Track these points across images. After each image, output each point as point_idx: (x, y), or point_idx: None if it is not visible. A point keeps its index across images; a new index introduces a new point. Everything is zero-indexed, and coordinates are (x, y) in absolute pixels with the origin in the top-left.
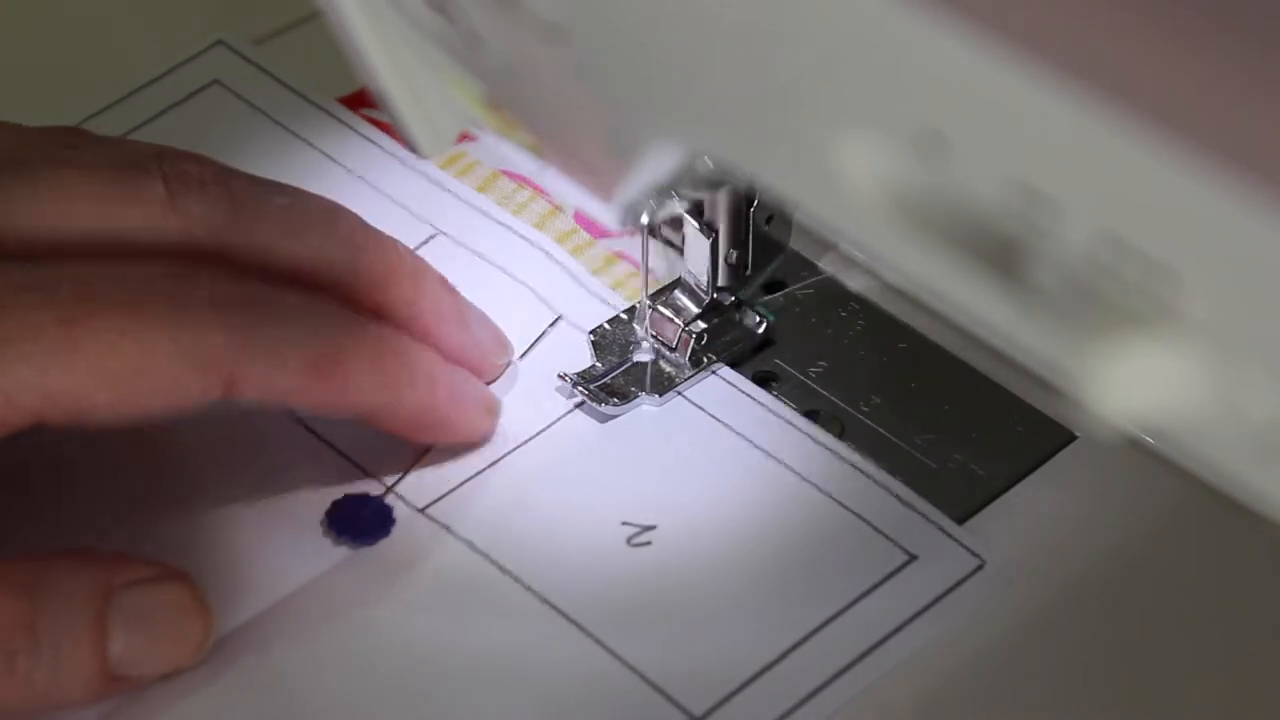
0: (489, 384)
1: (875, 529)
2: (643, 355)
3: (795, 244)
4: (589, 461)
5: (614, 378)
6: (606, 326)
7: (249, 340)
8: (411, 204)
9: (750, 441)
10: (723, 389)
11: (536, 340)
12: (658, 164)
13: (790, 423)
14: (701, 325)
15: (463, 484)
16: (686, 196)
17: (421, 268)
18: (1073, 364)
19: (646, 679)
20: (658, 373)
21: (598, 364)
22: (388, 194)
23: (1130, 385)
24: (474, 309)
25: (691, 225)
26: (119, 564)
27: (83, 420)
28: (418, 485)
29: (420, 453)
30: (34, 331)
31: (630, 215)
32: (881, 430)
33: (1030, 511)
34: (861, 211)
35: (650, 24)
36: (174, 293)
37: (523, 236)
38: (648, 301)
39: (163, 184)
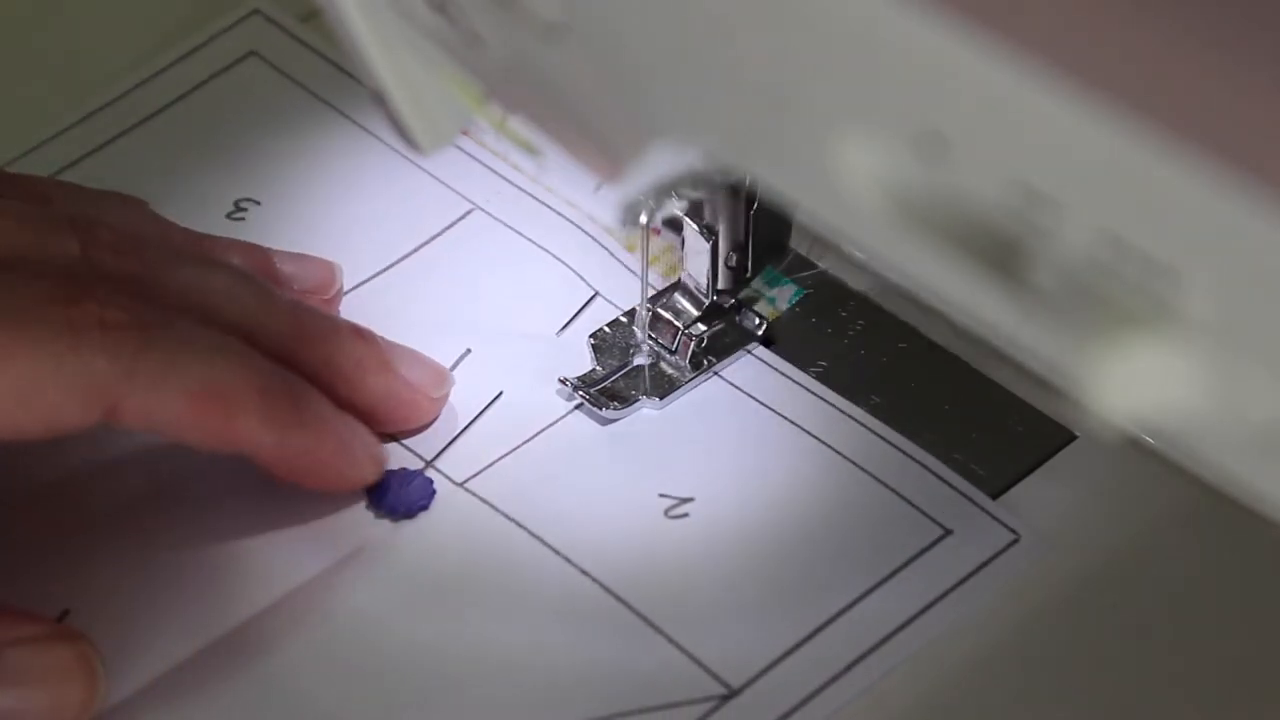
0: (433, 419)
1: (910, 504)
2: (642, 358)
3: (795, 244)
4: (626, 437)
5: (614, 381)
6: (606, 330)
7: (133, 367)
8: (448, 179)
9: (785, 417)
10: (757, 366)
11: (575, 315)
12: (658, 164)
13: (824, 399)
14: (702, 328)
15: (500, 459)
16: (686, 196)
17: (333, 324)
18: (1073, 364)
19: (685, 651)
20: (658, 375)
21: (598, 367)
22: (425, 168)
23: (1130, 385)
24: (399, 349)
25: (691, 227)
26: (5, 620)
27: None
28: (456, 461)
29: (460, 429)
30: None
31: (630, 215)
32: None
33: (1030, 511)
34: (861, 211)
35: (650, 24)
36: (63, 311)
37: (559, 212)
38: (647, 304)
39: (76, 242)
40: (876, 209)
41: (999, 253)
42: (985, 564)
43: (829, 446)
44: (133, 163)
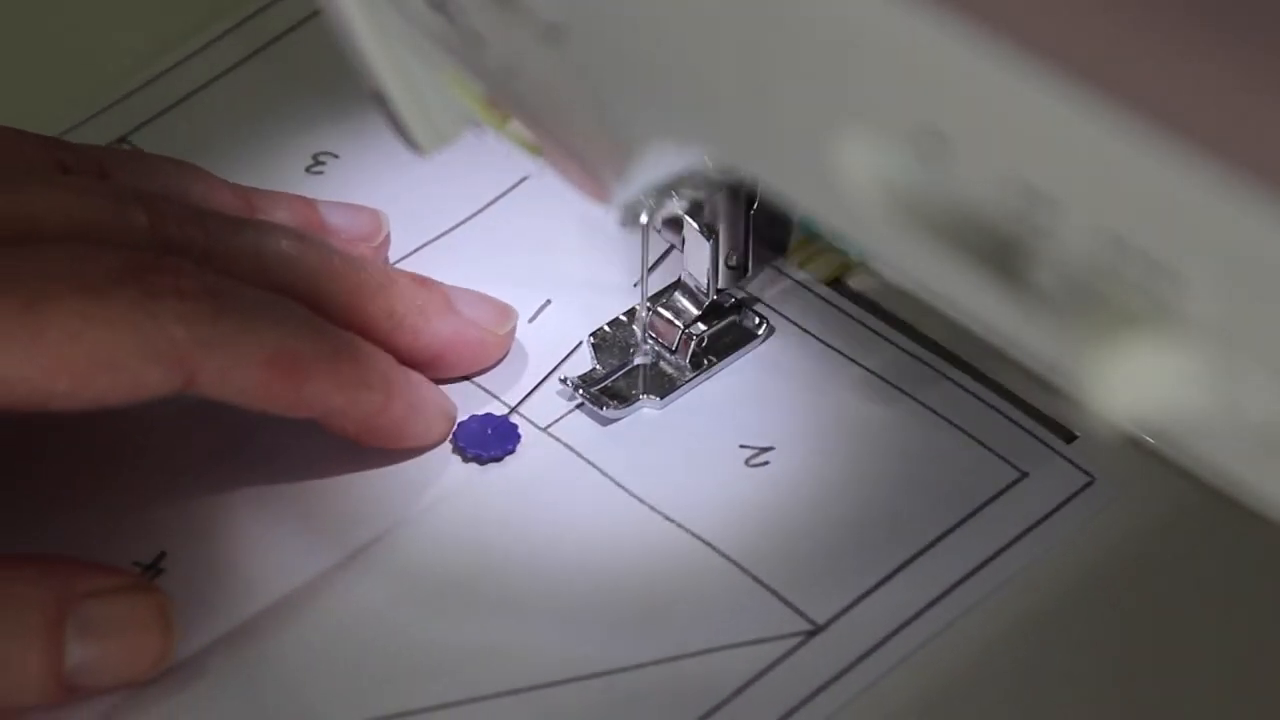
0: (502, 356)
1: (986, 447)
2: (643, 358)
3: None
4: (705, 389)
5: (615, 380)
6: (606, 329)
7: (210, 334)
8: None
9: (861, 364)
10: (832, 314)
11: (653, 266)
12: (658, 164)
13: (899, 346)
14: (702, 327)
15: (581, 405)
16: (686, 196)
17: (392, 275)
18: (1073, 364)
19: (770, 589)
20: (658, 375)
21: (598, 366)
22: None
23: (1131, 385)
24: (460, 291)
25: (691, 226)
26: (82, 572)
27: (41, 408)
28: (539, 407)
29: (542, 377)
30: None
31: (630, 215)
32: None
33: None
34: (861, 211)
35: (649, 23)
36: (140, 280)
37: None
38: (647, 304)
39: (145, 215)
40: (876, 208)
41: (999, 252)
42: (1060, 506)
43: (904, 392)
44: (211, 117)
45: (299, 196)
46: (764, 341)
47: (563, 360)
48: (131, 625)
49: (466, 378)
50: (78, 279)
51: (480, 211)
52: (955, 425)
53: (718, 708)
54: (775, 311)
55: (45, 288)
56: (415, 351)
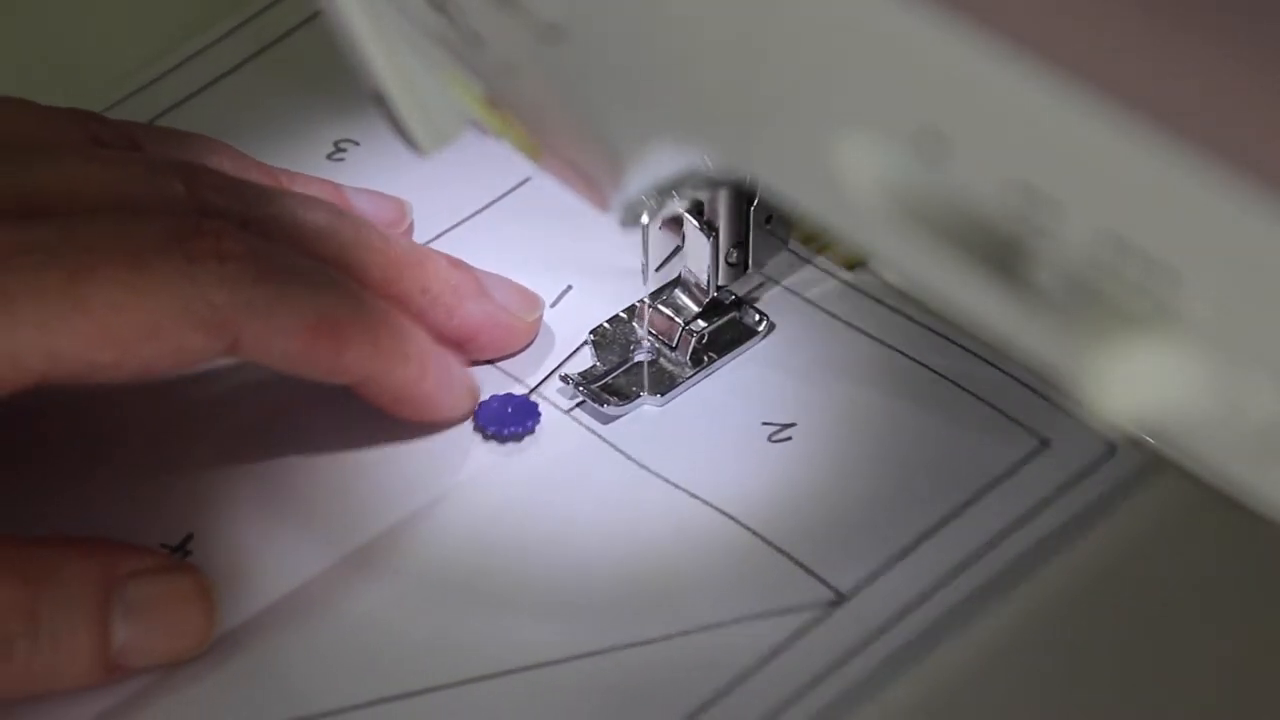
0: (529, 343)
1: (1007, 416)
2: (643, 355)
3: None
4: (727, 369)
5: (615, 378)
6: (606, 326)
7: (251, 297)
8: None
9: (879, 340)
10: (850, 293)
11: (670, 255)
12: (657, 164)
13: (917, 320)
14: (702, 324)
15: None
16: (686, 196)
17: (427, 253)
18: (1073, 364)
19: (794, 559)
20: (659, 372)
21: (598, 364)
22: None
23: (1130, 385)
24: (492, 276)
25: (691, 225)
26: (124, 553)
27: (87, 379)
28: (560, 389)
29: (564, 358)
30: (40, 291)
31: (630, 215)
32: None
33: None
34: (861, 211)
35: (649, 23)
36: (181, 247)
37: None
38: (648, 300)
39: (183, 186)
40: (877, 208)
41: (999, 253)
42: (1083, 474)
43: (924, 365)
44: (234, 103)
45: (326, 180)
46: (764, 338)
47: (581, 345)
48: (175, 604)
49: (490, 361)
50: (119, 249)
51: (502, 197)
52: (976, 395)
53: (745, 676)
54: (792, 293)
55: (88, 260)
56: (447, 331)
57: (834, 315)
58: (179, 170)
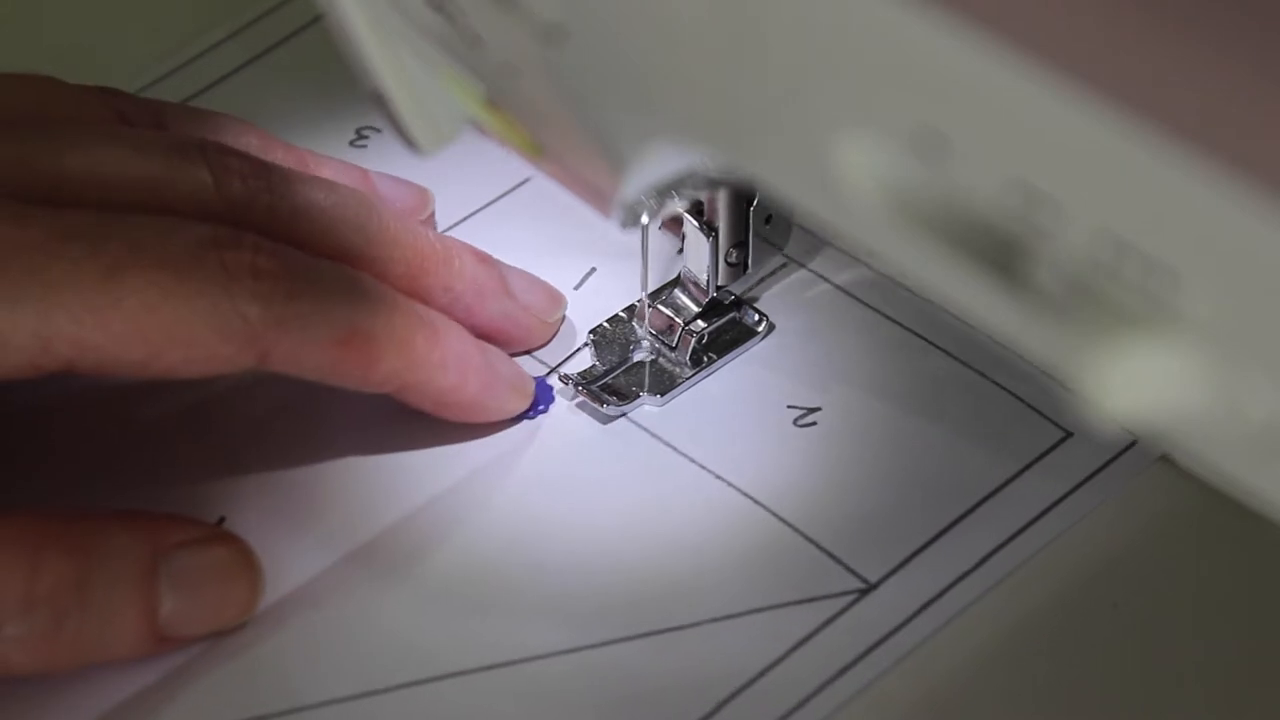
0: (549, 339)
1: (1031, 407)
2: (642, 354)
3: (795, 244)
4: (751, 354)
5: (615, 377)
6: (606, 325)
7: (284, 313)
8: None
9: (905, 327)
10: (875, 277)
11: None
12: (657, 164)
13: (942, 308)
14: (702, 324)
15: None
16: (686, 196)
17: (454, 248)
18: (1073, 364)
19: (822, 548)
20: (658, 372)
21: (597, 364)
22: None
23: (1130, 385)
24: (516, 272)
25: (691, 225)
26: (169, 525)
27: (110, 373)
28: (580, 369)
29: (582, 342)
30: (77, 281)
31: (630, 215)
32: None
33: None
34: (861, 211)
35: (649, 23)
36: (219, 257)
37: None
38: (647, 300)
39: (208, 170)
40: (876, 208)
41: (999, 253)
42: (1106, 465)
43: (949, 354)
44: (258, 89)
45: (351, 164)
46: (764, 339)
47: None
48: (220, 573)
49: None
50: (158, 251)
51: (527, 181)
52: (1000, 385)
53: (774, 664)
54: (819, 276)
55: (126, 258)
56: (466, 329)
57: (858, 299)
58: (205, 153)
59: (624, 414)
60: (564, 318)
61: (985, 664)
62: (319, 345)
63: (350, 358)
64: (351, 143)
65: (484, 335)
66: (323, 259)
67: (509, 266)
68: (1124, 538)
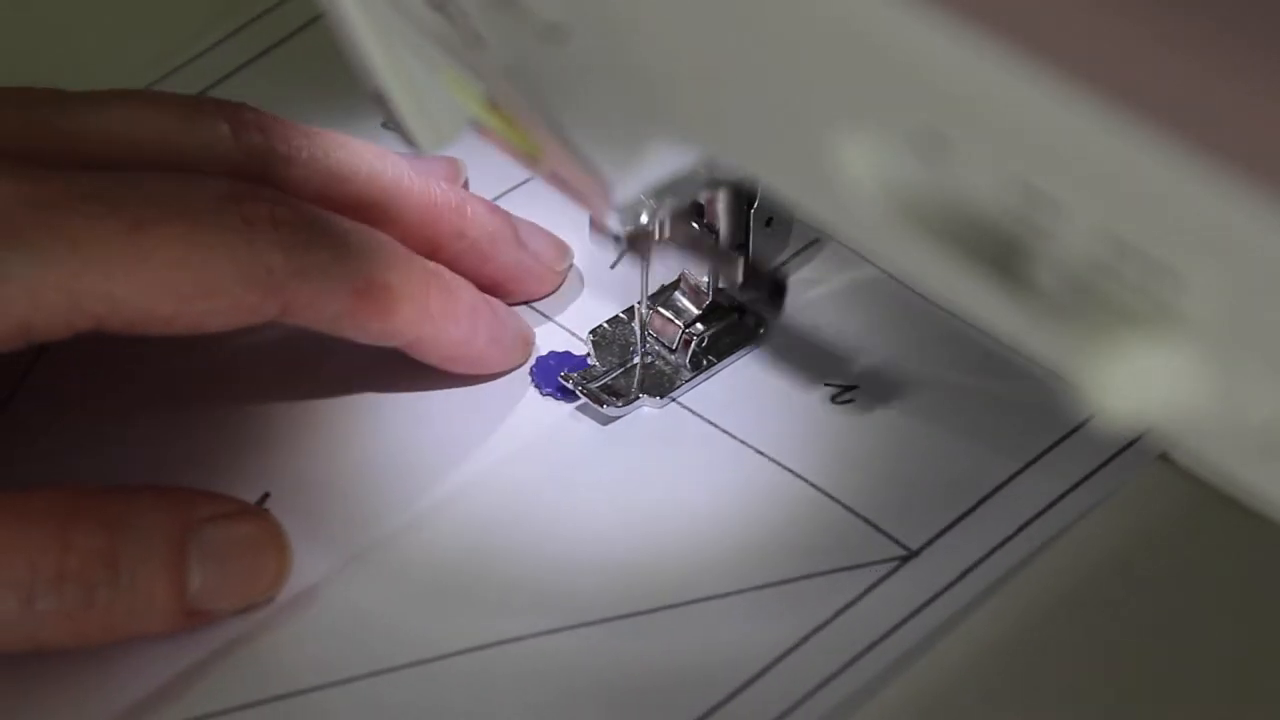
0: (556, 288)
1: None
2: (642, 356)
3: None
4: (786, 330)
5: (614, 378)
6: (606, 327)
7: (304, 262)
8: None
9: (938, 305)
10: (909, 259)
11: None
12: (657, 164)
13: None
14: (702, 327)
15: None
16: (686, 197)
17: (466, 198)
18: (1073, 364)
19: (863, 517)
20: (657, 374)
21: (597, 364)
22: None
23: (1131, 385)
24: (525, 223)
25: (691, 225)
26: (199, 499)
27: (142, 331)
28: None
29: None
30: (103, 237)
31: (630, 215)
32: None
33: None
34: (861, 211)
35: (649, 24)
36: (239, 208)
37: None
38: (647, 303)
39: (225, 122)
40: (876, 209)
41: (999, 253)
42: (1130, 444)
43: (982, 330)
44: (288, 72)
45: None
46: (763, 341)
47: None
48: (250, 547)
49: (525, 303)
50: (180, 205)
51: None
52: (1033, 361)
53: (819, 628)
54: (855, 254)
55: (150, 213)
56: (479, 278)
57: (893, 277)
58: (222, 109)
59: (623, 415)
60: (571, 266)
61: (1039, 622)
62: (338, 295)
63: (368, 307)
64: (384, 124)
65: (496, 282)
66: (337, 214)
67: (518, 217)
68: (1123, 536)
